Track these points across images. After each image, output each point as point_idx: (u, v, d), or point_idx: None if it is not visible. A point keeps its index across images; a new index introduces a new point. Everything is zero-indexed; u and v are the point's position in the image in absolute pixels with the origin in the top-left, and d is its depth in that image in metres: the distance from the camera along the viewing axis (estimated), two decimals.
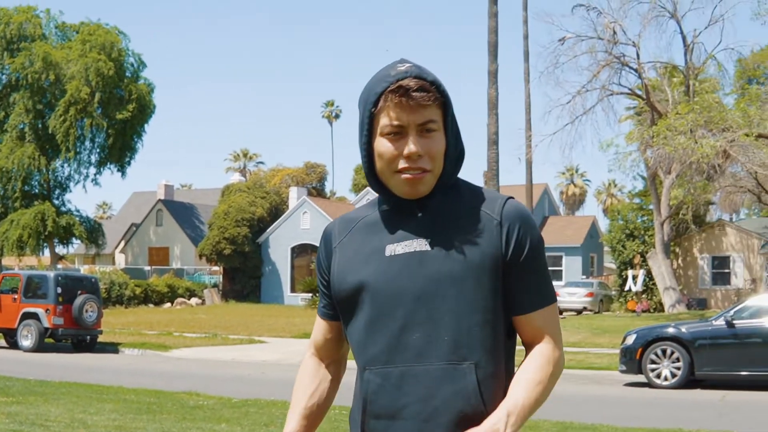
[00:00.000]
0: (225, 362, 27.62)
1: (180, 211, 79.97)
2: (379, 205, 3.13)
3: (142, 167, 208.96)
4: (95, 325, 30.95)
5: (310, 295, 57.20)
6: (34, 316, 30.31)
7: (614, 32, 47.26)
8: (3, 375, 21.05)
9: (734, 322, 20.91)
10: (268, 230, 67.53)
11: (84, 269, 66.00)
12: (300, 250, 66.73)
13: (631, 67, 48.46)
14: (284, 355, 28.99)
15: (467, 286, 2.93)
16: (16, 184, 66.21)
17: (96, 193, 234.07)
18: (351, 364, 3.08)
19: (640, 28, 50.12)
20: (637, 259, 55.50)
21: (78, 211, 70.53)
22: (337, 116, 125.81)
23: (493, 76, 40.76)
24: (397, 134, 2.92)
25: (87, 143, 68.78)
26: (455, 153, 3.05)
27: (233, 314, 49.54)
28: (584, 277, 66.20)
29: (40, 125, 67.42)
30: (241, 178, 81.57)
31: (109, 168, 70.89)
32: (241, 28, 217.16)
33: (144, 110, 69.63)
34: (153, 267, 72.29)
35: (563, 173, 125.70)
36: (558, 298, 3.15)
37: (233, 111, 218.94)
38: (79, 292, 30.75)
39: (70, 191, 70.57)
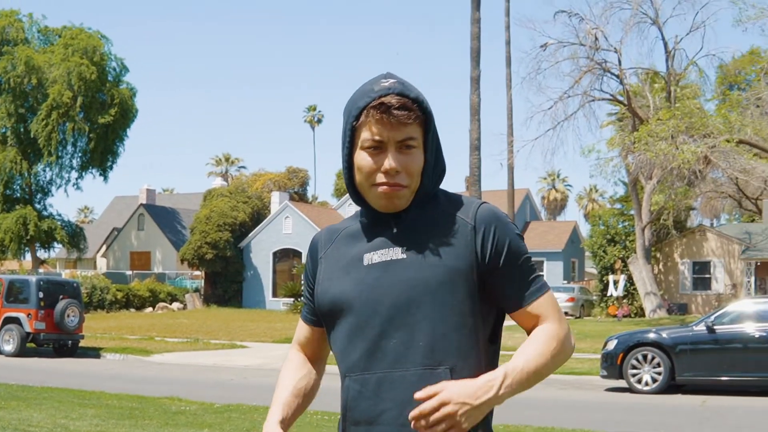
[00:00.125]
0: (207, 367, 27.61)
1: (162, 215, 79.85)
2: (360, 217, 3.19)
3: (124, 171, 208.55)
4: (77, 330, 30.91)
5: (292, 300, 57.09)
6: (15, 320, 30.24)
7: (596, 38, 47.38)
8: None
9: (715, 327, 21.01)
10: (249, 235, 67.42)
11: (65, 274, 65.84)
12: (282, 255, 66.63)
13: (612, 73, 48.59)
14: (266, 360, 28.98)
15: (442, 291, 2.97)
16: None
17: (78, 198, 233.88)
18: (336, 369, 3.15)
19: (621, 34, 50.30)
20: (618, 264, 55.62)
21: (60, 215, 70.37)
22: (319, 121, 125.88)
23: (476, 82, 40.80)
24: (377, 149, 2.97)
25: (69, 147, 68.60)
26: (434, 169, 3.10)
27: (215, 319, 49.48)
28: (565, 282, 66.29)
29: (22, 129, 67.23)
30: (223, 182, 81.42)
31: (91, 172, 70.70)
32: (223, 32, 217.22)
33: (126, 114, 69.45)
34: (134, 271, 72.12)
35: (545, 178, 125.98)
36: None
37: (215, 115, 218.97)
38: (60, 296, 30.70)
39: (52, 195, 70.44)
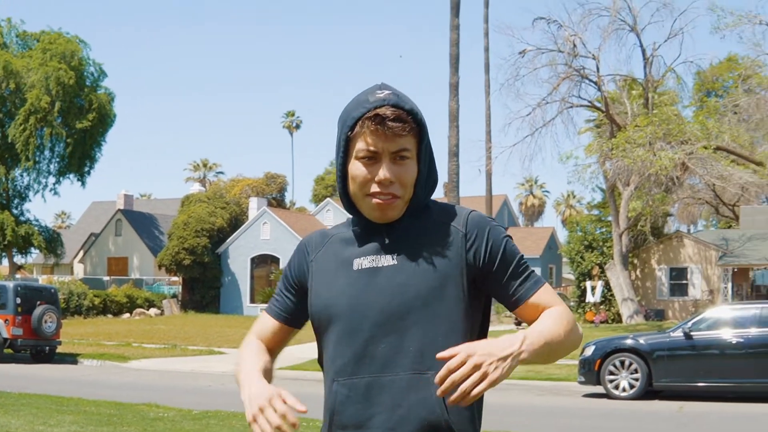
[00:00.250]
0: (184, 373, 27.58)
1: (139, 221, 79.67)
2: (352, 225, 3.21)
3: (101, 177, 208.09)
4: (54, 336, 30.83)
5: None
6: None
7: (574, 45, 47.47)
8: None
9: (692, 333, 21.10)
10: (227, 241, 67.32)
11: (43, 279, 65.65)
12: (260, 261, 66.57)
13: (590, 80, 48.68)
14: None
15: (433, 297, 3.02)
16: None
17: (55, 203, 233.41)
18: (320, 375, 3.17)
19: (600, 41, 50.36)
20: (596, 270, 55.69)
21: (37, 220, 70.04)
22: (297, 126, 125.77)
23: (455, 88, 40.91)
24: (371, 159, 3.01)
25: (47, 152, 68.31)
26: (427, 180, 3.15)
27: (192, 325, 49.39)
28: None
29: None
30: (201, 188, 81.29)
31: (69, 177, 70.42)
32: (201, 38, 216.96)
33: (104, 120, 69.23)
34: (112, 277, 71.95)
35: (522, 184, 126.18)
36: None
37: (193, 121, 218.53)
38: (38, 302, 30.61)
39: (30, 200, 70.05)
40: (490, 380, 2.75)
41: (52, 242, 69.26)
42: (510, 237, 3.19)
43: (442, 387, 2.74)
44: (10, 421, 14.73)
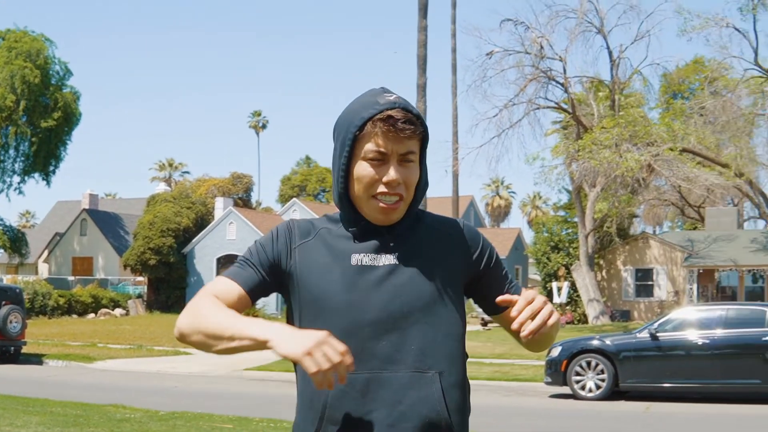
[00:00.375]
0: (150, 374, 27.46)
1: (105, 220, 79.35)
2: (347, 224, 3.20)
3: (66, 176, 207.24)
4: (19, 336, 30.61)
5: None
6: None
7: (541, 47, 47.61)
8: None
9: (658, 334, 21.19)
10: (193, 241, 67.15)
11: (7, 279, 65.26)
12: (225, 261, 66.35)
13: (557, 82, 48.86)
14: (210, 367, 28.87)
15: (433, 299, 3.12)
16: None
17: (19, 202, 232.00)
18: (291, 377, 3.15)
19: (567, 42, 50.65)
20: (562, 272, 55.87)
21: (1, 219, 69.66)
22: (263, 126, 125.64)
23: (422, 89, 40.93)
24: (379, 160, 3.05)
25: (11, 151, 67.92)
26: (424, 184, 3.22)
27: (158, 325, 49.19)
28: None
29: None
30: (167, 188, 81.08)
31: (34, 177, 70.03)
32: (168, 37, 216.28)
33: (69, 118, 68.88)
34: (77, 277, 71.61)
35: (489, 185, 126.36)
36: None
37: (159, 120, 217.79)
38: (2, 302, 30.39)
39: None
40: (556, 317, 3.04)
41: (16, 242, 68.89)
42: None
43: (522, 316, 2.97)
44: None
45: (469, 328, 34.33)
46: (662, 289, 57.15)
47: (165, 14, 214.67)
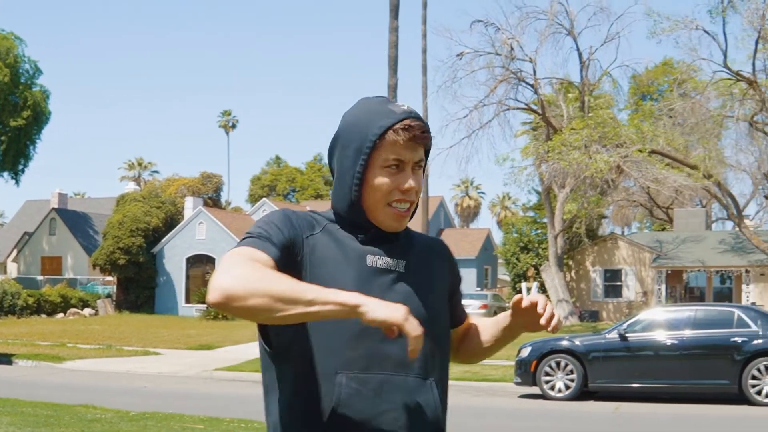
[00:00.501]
0: (120, 374, 27.38)
1: (74, 220, 78.99)
2: (348, 228, 3.18)
3: (36, 175, 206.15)
4: None
5: (205, 306, 56.93)
6: None
7: (512, 48, 47.77)
8: None
9: (627, 335, 21.30)
10: (163, 240, 66.94)
11: None
12: (195, 261, 66.25)
13: (527, 83, 49.02)
14: (180, 367, 28.83)
15: (436, 308, 3.21)
16: None
17: None
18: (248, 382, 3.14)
19: (537, 44, 50.82)
20: (531, 272, 56.11)
21: None
22: (233, 126, 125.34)
23: (393, 90, 40.94)
24: (396, 168, 3.09)
25: None
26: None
27: (127, 325, 49.06)
28: (479, 289, 66.78)
29: None
30: (136, 187, 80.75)
31: (2, 176, 69.68)
32: (137, 36, 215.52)
33: (39, 117, 68.55)
34: (46, 277, 71.31)
35: (458, 186, 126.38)
36: None
37: (128, 119, 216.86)
38: None
39: None
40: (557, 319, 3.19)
41: None
42: None
43: (547, 315, 3.14)
44: None
45: None
46: (631, 290, 57.46)
47: (133, 15, 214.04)
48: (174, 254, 66.72)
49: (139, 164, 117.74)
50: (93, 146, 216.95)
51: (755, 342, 20.29)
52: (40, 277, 70.30)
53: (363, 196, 3.12)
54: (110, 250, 64.28)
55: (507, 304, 59.40)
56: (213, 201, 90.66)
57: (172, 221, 69.39)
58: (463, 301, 3.49)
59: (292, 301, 2.68)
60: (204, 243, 65.32)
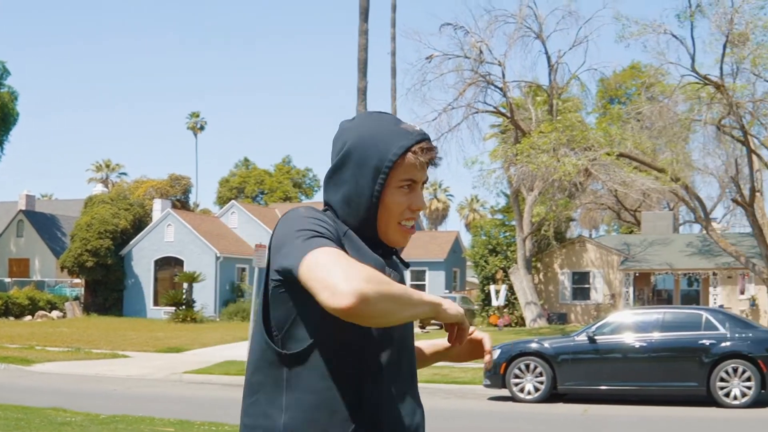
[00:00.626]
0: (89, 377, 27.30)
1: (41, 222, 78.62)
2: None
3: (2, 176, 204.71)
4: None
5: (174, 308, 56.84)
6: None
7: (480, 51, 47.88)
8: None
9: (596, 337, 21.41)
10: (131, 242, 66.69)
11: None
12: (163, 263, 66.04)
13: (496, 86, 49.14)
14: (149, 370, 28.78)
15: (412, 327, 3.28)
16: None
17: None
18: (234, 385, 3.18)
19: (506, 47, 50.88)
20: (500, 274, 56.15)
21: None
22: (201, 128, 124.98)
23: (362, 93, 41.01)
24: (408, 188, 3.12)
25: None
26: None
27: (95, 328, 48.88)
28: (447, 291, 66.71)
29: None
30: (104, 189, 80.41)
31: None
32: (105, 38, 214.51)
33: (7, 118, 68.27)
34: (13, 279, 70.92)
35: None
36: None
37: (96, 120, 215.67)
38: None
39: None
40: None
41: None
42: None
43: (488, 354, 3.34)
44: None
45: None
46: (599, 292, 57.68)
47: (102, 17, 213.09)
48: (142, 256, 66.50)
49: (107, 166, 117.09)
50: (61, 148, 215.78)
51: (723, 344, 20.45)
52: (7, 280, 69.90)
53: (377, 215, 3.13)
54: (78, 252, 64.01)
55: (475, 307, 59.53)
56: (181, 203, 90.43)
57: (140, 223, 69.15)
58: None
59: (406, 304, 2.75)
60: (172, 245, 65.14)
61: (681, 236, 62.58)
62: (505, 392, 22.20)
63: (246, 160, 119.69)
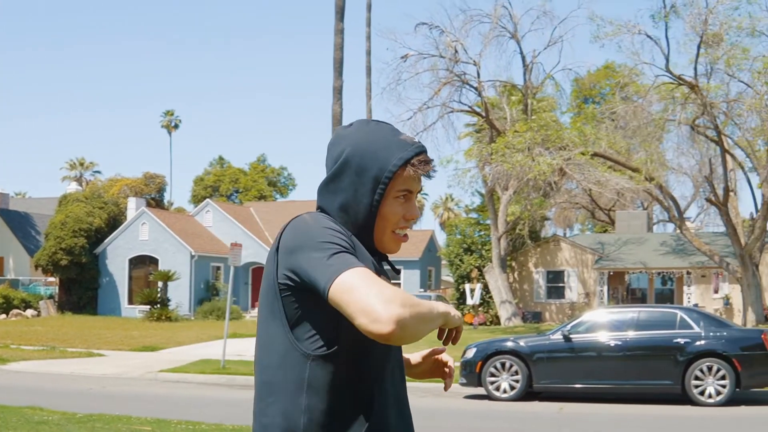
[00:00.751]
0: (64, 376, 27.26)
1: (15, 220, 78.29)
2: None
3: None
4: None
5: (148, 307, 56.73)
6: None
7: (456, 51, 47.97)
8: None
9: (571, 336, 21.51)
10: (105, 241, 66.47)
11: None
12: (138, 262, 65.88)
13: (471, 86, 49.22)
14: (124, 368, 28.75)
15: None
16: None
17: None
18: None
19: (481, 47, 51.01)
20: (475, 273, 56.24)
21: None
22: (176, 126, 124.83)
23: (338, 92, 40.98)
24: (404, 198, 3.18)
25: None
26: None
27: (70, 326, 48.73)
28: (422, 290, 66.83)
29: None
30: (78, 187, 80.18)
31: None
32: (79, 33, 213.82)
33: None
34: None
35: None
36: None
37: (70, 118, 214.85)
38: None
39: None
40: None
41: None
42: None
43: (450, 374, 3.63)
44: None
45: None
46: (573, 291, 57.85)
47: (76, 17, 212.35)
48: (117, 255, 66.31)
49: (81, 164, 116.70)
50: (34, 146, 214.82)
51: (698, 343, 20.57)
52: None
53: (374, 225, 3.19)
54: (52, 250, 63.78)
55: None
56: (156, 201, 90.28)
57: (114, 222, 68.93)
58: None
59: (431, 320, 2.87)
60: (147, 244, 65.00)
61: (655, 235, 62.82)
62: (481, 391, 22.27)
63: (221, 158, 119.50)
